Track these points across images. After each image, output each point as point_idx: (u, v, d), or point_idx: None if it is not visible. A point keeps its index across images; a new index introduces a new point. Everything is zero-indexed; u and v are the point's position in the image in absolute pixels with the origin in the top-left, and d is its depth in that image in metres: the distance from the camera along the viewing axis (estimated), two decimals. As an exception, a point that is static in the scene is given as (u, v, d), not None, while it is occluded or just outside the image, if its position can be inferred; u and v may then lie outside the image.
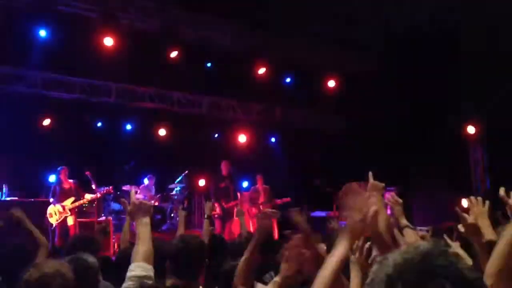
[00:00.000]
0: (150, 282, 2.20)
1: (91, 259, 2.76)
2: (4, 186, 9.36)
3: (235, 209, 9.51)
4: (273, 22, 10.54)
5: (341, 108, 12.52)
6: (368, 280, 1.06)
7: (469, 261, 2.33)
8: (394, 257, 1.03)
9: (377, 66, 11.66)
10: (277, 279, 2.35)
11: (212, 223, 5.24)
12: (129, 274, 2.21)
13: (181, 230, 4.68)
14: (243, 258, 2.82)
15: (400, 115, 11.56)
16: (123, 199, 2.97)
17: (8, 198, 8.91)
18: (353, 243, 1.70)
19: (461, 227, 2.50)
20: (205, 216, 4.86)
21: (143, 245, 2.29)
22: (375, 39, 10.88)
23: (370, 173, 1.97)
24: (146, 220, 2.37)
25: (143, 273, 2.20)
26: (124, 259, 3.09)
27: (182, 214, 4.96)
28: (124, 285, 2.19)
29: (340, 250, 1.64)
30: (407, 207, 2.82)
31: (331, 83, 12.38)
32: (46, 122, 10.56)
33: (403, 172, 10.84)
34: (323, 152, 12.24)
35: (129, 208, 2.43)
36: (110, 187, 9.25)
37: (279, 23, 10.45)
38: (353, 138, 12.11)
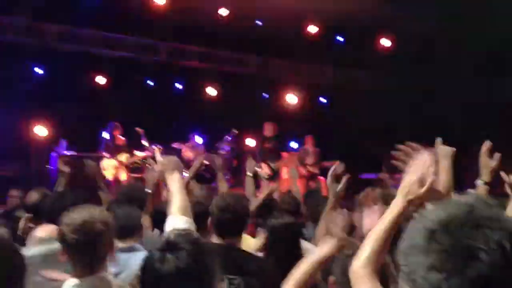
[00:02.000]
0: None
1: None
2: (62, 141, 9.79)
3: (282, 169, 9.50)
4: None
5: (394, 69, 12.08)
6: (406, 234, 1.03)
7: None
8: (434, 211, 1.00)
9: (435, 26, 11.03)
10: (329, 241, 2.31)
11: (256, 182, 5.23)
12: (167, 227, 2.23)
13: (223, 186, 4.69)
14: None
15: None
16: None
17: (68, 153, 9.32)
18: (408, 204, 1.60)
19: None
20: (248, 173, 4.83)
21: (177, 199, 2.31)
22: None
23: (439, 139, 1.85)
24: (176, 175, 2.40)
25: (182, 226, 2.21)
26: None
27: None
28: (164, 235, 2.21)
29: (394, 210, 1.60)
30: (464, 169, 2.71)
31: (386, 42, 11.96)
32: (100, 80, 10.86)
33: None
34: (374, 113, 11.92)
35: (156, 167, 2.47)
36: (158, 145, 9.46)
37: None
38: (404, 99, 11.71)
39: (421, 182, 1.59)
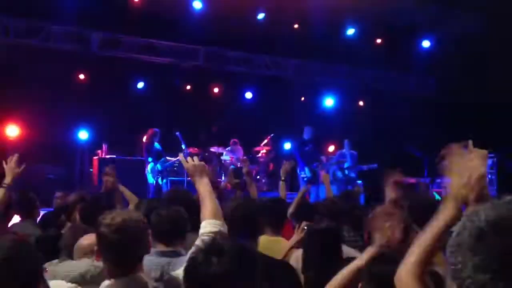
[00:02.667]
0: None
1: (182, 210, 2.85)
2: (103, 145, 10.05)
3: (322, 173, 9.43)
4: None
5: (434, 71, 11.85)
6: (455, 233, 1.04)
7: None
8: (484, 210, 1.01)
9: (480, 29, 10.72)
10: (371, 248, 2.29)
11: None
12: (201, 231, 2.25)
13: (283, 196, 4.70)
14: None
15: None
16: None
17: (108, 156, 9.56)
18: (458, 209, 1.54)
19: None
20: (282, 178, 4.82)
21: (207, 203, 2.33)
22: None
23: (470, 142, 1.79)
24: (205, 180, 2.42)
25: (215, 229, 2.23)
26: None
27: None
28: (197, 242, 2.23)
29: (442, 216, 1.55)
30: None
31: (426, 44, 11.75)
32: (140, 85, 11.11)
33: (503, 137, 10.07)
34: (413, 116, 11.69)
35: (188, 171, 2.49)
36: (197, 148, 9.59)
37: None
38: (444, 102, 11.45)
39: (470, 186, 1.52)
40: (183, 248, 2.62)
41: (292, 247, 3.29)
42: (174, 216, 2.71)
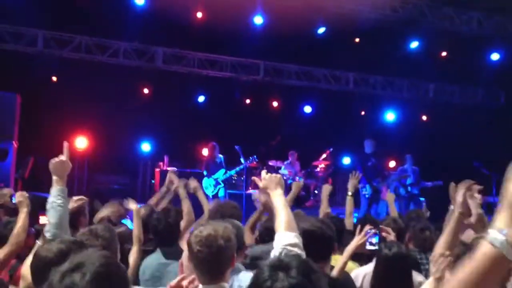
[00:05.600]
0: (298, 251, 2.20)
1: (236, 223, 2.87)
2: (165, 157, 10.34)
3: (384, 189, 9.18)
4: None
5: (501, 83, 11.31)
6: None
7: None
8: None
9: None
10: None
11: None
12: (276, 243, 2.24)
13: (324, 206, 4.63)
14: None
15: None
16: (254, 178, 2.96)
17: (169, 168, 9.81)
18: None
19: None
20: (349, 193, 4.70)
21: (282, 215, 2.33)
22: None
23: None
24: (279, 191, 2.43)
25: (291, 241, 2.22)
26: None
27: (326, 189, 4.82)
28: (273, 252, 2.22)
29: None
30: None
31: (494, 56, 11.27)
32: (201, 98, 11.36)
33: None
34: (480, 130, 11.17)
35: (261, 184, 2.49)
36: (256, 161, 9.61)
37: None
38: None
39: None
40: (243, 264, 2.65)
41: (350, 256, 3.20)
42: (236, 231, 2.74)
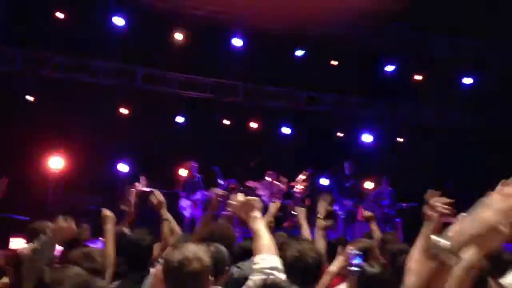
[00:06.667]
0: (278, 274, 2.18)
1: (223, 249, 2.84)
2: (141, 178, 10.23)
3: (361, 211, 9.25)
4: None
5: (474, 106, 11.60)
6: None
7: None
8: None
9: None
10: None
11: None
12: (255, 266, 2.22)
13: (305, 229, 4.50)
14: None
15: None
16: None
17: (146, 189, 9.71)
18: (484, 252, 1.40)
19: None
20: (318, 215, 4.54)
21: (260, 239, 2.30)
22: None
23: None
24: (255, 214, 2.38)
25: (269, 265, 2.20)
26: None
27: (302, 212, 4.65)
28: (253, 277, 2.20)
29: (468, 258, 1.44)
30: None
31: (467, 80, 11.58)
32: (180, 119, 11.35)
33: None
34: (454, 152, 11.39)
35: (237, 208, 2.44)
36: (234, 183, 9.60)
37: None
38: (487, 137, 11.13)
39: (498, 230, 1.34)
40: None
41: (333, 278, 3.19)
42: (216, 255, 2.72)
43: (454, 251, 1.35)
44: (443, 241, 1.36)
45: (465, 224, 1.38)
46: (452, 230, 1.40)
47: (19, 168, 8.96)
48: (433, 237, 1.38)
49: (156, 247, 3.69)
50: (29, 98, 10.23)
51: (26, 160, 9.30)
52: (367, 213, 5.28)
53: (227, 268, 2.75)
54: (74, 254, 2.86)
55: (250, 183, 10.38)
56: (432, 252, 1.37)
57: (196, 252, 2.19)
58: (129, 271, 3.35)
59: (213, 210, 4.18)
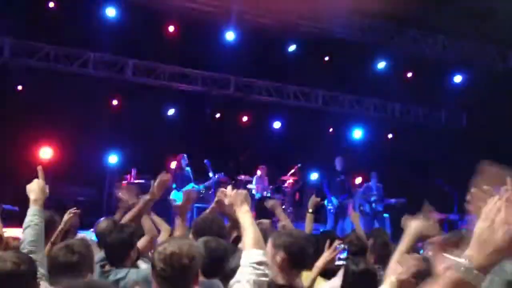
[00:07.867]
0: (265, 269, 2.19)
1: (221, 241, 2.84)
2: (132, 170, 10.21)
3: (350, 206, 9.29)
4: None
5: (463, 105, 11.72)
6: (486, 282, 1.01)
7: None
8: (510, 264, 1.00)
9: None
10: (393, 279, 2.24)
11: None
12: (243, 262, 2.21)
13: (282, 218, 4.61)
14: None
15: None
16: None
17: (136, 181, 9.69)
18: (483, 256, 1.25)
19: None
20: (309, 210, 4.67)
21: (249, 232, 2.30)
22: None
23: (510, 180, 1.52)
24: (245, 207, 2.39)
25: (258, 259, 2.19)
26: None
27: (276, 205, 4.93)
28: (239, 271, 2.20)
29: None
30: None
31: (457, 79, 11.69)
32: (170, 112, 11.32)
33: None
34: (443, 149, 11.50)
35: (226, 200, 2.45)
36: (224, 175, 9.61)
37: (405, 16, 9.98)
38: (475, 135, 11.24)
39: (491, 230, 1.26)
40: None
41: (320, 272, 3.22)
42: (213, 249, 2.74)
43: (480, 268, 1.19)
44: (463, 261, 1.21)
45: (483, 237, 1.24)
46: (462, 248, 1.25)
47: (8, 158, 8.89)
48: (449, 256, 1.23)
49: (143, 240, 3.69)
50: (18, 87, 10.14)
51: (14, 150, 9.22)
52: (355, 215, 5.42)
53: (225, 263, 2.73)
54: (56, 247, 2.83)
55: (241, 177, 10.40)
56: (454, 275, 1.20)
57: (187, 246, 2.17)
58: (110, 262, 3.26)
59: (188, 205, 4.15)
